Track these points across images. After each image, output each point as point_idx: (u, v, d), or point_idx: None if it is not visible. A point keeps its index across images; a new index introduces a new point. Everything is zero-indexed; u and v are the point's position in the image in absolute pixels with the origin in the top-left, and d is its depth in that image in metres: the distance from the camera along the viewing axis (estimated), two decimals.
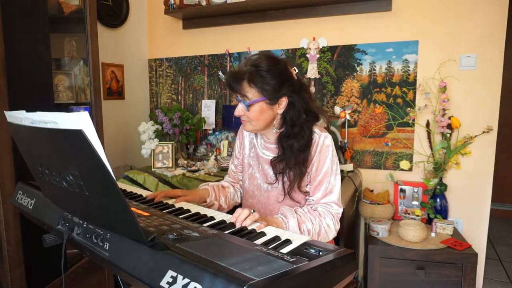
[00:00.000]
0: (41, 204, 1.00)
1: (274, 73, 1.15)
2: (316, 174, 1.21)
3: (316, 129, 1.24)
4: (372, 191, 2.24)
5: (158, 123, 2.39)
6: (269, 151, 1.30)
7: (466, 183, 2.13)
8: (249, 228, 0.91)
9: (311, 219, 1.13)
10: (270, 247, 0.72)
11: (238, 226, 0.92)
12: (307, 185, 1.24)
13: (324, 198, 1.20)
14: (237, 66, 2.65)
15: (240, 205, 1.49)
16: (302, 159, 1.19)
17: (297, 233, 1.06)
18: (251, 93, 1.16)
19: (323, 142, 1.21)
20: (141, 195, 1.23)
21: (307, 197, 1.24)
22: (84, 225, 0.82)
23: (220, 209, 1.37)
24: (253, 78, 1.14)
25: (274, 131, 1.25)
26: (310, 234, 1.10)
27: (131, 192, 1.27)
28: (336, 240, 1.77)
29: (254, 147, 1.36)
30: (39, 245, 0.95)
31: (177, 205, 1.11)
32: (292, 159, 1.19)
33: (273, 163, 1.25)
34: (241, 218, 0.94)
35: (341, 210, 1.21)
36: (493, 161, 2.08)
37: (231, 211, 1.13)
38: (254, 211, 0.97)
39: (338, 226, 1.19)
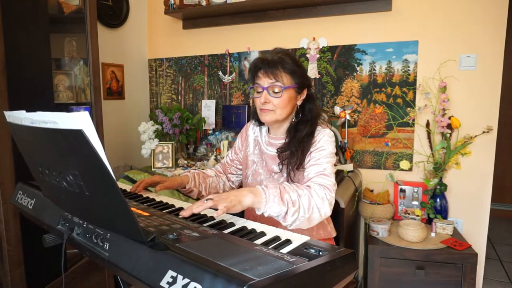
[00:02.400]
0: (41, 204, 1.00)
1: (300, 65, 1.25)
2: (312, 157, 1.21)
3: (319, 125, 1.28)
4: (372, 191, 2.24)
5: (158, 123, 2.39)
6: (272, 147, 1.33)
7: (466, 183, 2.13)
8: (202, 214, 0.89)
9: (297, 191, 1.04)
10: (270, 247, 0.72)
11: (187, 214, 0.90)
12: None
13: (316, 176, 1.15)
14: (237, 66, 2.65)
15: None
16: (307, 140, 1.24)
17: (278, 203, 0.99)
18: (286, 78, 1.21)
19: (323, 135, 1.25)
20: (141, 195, 1.23)
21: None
22: (84, 225, 0.82)
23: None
24: (286, 65, 1.20)
25: (293, 120, 1.30)
26: (295, 206, 1.01)
27: (131, 192, 1.27)
28: (336, 240, 1.77)
29: (258, 144, 1.39)
30: (39, 245, 0.95)
31: (178, 205, 1.11)
32: (298, 142, 1.23)
33: (279, 151, 1.28)
34: (193, 207, 0.91)
35: (334, 181, 1.15)
36: (493, 161, 2.08)
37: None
38: (207, 200, 0.93)
39: (332, 195, 1.11)
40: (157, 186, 1.25)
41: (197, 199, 1.38)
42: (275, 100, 1.21)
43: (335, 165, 1.24)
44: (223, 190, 1.50)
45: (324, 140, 1.23)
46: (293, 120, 1.29)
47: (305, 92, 1.27)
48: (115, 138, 2.62)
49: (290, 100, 1.23)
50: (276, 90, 1.20)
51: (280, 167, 1.28)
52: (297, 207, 1.02)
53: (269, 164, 1.33)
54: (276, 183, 1.07)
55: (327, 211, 1.09)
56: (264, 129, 1.39)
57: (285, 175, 1.27)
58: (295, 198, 1.02)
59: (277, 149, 1.29)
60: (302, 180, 1.25)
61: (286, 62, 1.20)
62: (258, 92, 1.25)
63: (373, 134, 2.30)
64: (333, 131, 2.27)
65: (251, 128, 1.44)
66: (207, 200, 0.93)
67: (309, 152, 1.24)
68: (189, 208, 0.91)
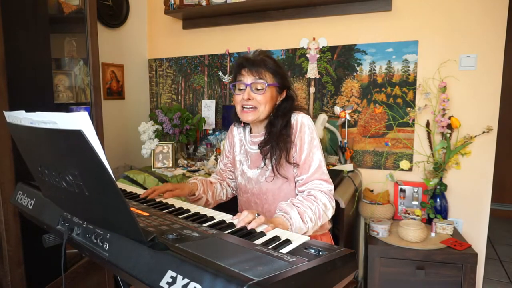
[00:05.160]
0: (41, 204, 1.00)
1: (281, 67, 1.30)
2: (300, 153, 1.24)
3: (294, 113, 1.30)
4: (372, 191, 2.24)
5: (158, 123, 2.39)
6: (255, 145, 1.35)
7: (466, 183, 2.13)
8: (257, 230, 0.89)
9: (309, 206, 1.13)
10: (269, 247, 0.72)
11: (240, 226, 0.91)
12: (293, 158, 1.26)
13: (312, 175, 1.22)
14: None
15: (230, 203, 1.51)
16: (285, 132, 1.25)
17: (301, 225, 1.08)
18: (268, 76, 1.25)
19: (301, 120, 1.26)
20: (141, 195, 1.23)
21: (296, 178, 1.26)
22: (84, 225, 0.82)
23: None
24: (269, 64, 1.25)
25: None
26: (313, 222, 1.11)
27: (131, 192, 1.27)
28: (336, 240, 1.77)
29: (243, 144, 1.41)
30: (39, 245, 0.95)
31: (177, 205, 1.11)
32: (277, 133, 1.25)
33: (260, 146, 1.30)
34: (245, 221, 0.92)
35: (332, 186, 1.22)
36: (493, 161, 2.08)
37: (222, 209, 1.12)
38: (258, 215, 0.96)
39: (333, 203, 1.21)
40: (166, 193, 1.23)
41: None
42: (258, 96, 1.23)
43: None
44: (226, 197, 1.51)
45: (305, 126, 1.25)
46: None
47: (284, 93, 1.30)
48: (115, 138, 2.62)
49: (272, 98, 1.26)
50: (259, 87, 1.23)
51: (264, 161, 1.29)
52: (314, 223, 1.12)
53: (255, 162, 1.35)
54: (289, 204, 1.12)
55: (331, 214, 1.20)
56: (247, 129, 1.41)
57: (270, 168, 1.28)
58: (311, 215, 1.11)
59: (258, 144, 1.31)
60: (289, 173, 1.27)
61: (268, 62, 1.25)
62: (240, 90, 1.26)
63: (373, 134, 2.30)
64: (332, 131, 2.29)
65: (235, 129, 1.46)
66: (258, 215, 0.95)
67: (293, 144, 1.25)
68: (242, 221, 0.92)
